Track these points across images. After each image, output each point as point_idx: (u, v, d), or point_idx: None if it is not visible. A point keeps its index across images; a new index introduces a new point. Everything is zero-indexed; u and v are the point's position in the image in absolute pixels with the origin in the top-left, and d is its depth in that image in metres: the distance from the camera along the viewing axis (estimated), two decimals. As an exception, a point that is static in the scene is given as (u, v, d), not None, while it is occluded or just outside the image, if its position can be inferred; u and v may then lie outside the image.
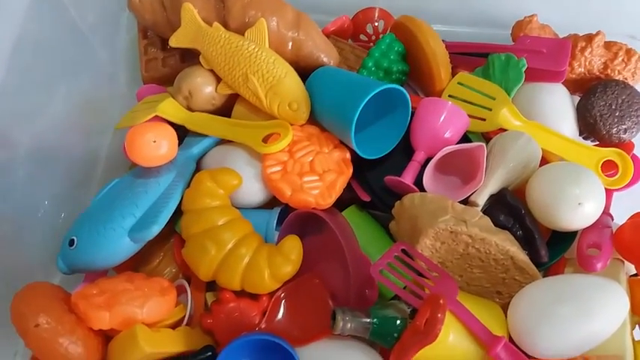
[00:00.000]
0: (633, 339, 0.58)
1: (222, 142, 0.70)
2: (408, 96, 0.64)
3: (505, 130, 0.69)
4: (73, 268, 0.62)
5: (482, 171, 0.62)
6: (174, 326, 0.62)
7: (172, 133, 0.63)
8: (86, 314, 0.56)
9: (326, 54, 0.70)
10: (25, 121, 0.65)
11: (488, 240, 0.58)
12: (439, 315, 0.51)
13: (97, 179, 0.76)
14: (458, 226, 0.58)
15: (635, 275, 0.63)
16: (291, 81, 0.66)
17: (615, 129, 0.71)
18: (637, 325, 0.60)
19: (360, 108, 0.60)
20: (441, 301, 0.51)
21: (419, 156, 0.66)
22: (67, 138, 0.74)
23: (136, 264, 0.69)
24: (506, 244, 0.59)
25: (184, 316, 0.62)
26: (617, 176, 0.68)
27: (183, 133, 0.70)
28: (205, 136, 0.69)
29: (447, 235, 0.59)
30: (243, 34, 0.67)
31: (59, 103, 0.69)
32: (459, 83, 0.72)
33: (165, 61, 0.77)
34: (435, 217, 0.60)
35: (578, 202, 0.60)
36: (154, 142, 0.61)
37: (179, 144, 0.68)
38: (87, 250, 0.61)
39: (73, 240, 0.61)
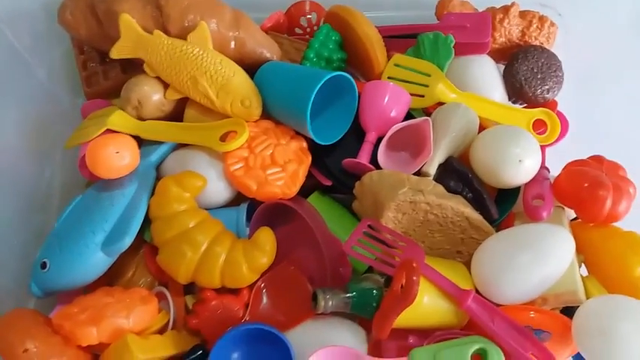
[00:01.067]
0: (581, 275, 0.65)
1: (178, 146, 0.71)
2: (353, 82, 0.68)
3: (443, 103, 0.74)
4: (47, 290, 0.62)
5: (430, 143, 0.66)
6: (161, 332, 0.63)
7: (133, 143, 0.63)
8: (73, 332, 0.56)
9: (268, 49, 0.72)
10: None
11: (445, 205, 0.63)
12: (414, 277, 0.55)
13: (55, 200, 0.75)
14: (416, 196, 0.63)
15: (575, 219, 0.71)
16: (241, 79, 0.68)
17: (539, 90, 0.77)
18: (582, 263, 0.67)
19: (312, 97, 0.63)
20: (414, 264, 0.56)
21: (370, 136, 0.70)
22: (14, 162, 0.72)
23: (110, 279, 0.68)
24: (460, 206, 0.64)
25: (169, 320, 0.64)
26: (547, 133, 0.74)
27: (137, 143, 0.71)
28: (161, 143, 0.70)
29: (407, 206, 0.63)
30: (184, 39, 0.68)
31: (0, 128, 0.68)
32: (395, 65, 0.76)
33: (106, 74, 0.77)
34: (394, 190, 0.64)
35: (518, 160, 0.66)
36: (117, 152, 0.61)
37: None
38: (61, 270, 0.61)
39: (45, 263, 0.61)
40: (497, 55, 0.82)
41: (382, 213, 0.64)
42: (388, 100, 0.70)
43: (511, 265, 0.60)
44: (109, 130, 0.69)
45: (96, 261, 0.61)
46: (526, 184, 0.68)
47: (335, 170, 0.70)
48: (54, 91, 0.78)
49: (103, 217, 0.62)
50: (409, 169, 0.68)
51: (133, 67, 0.73)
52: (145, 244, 0.69)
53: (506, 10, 0.80)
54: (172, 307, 0.64)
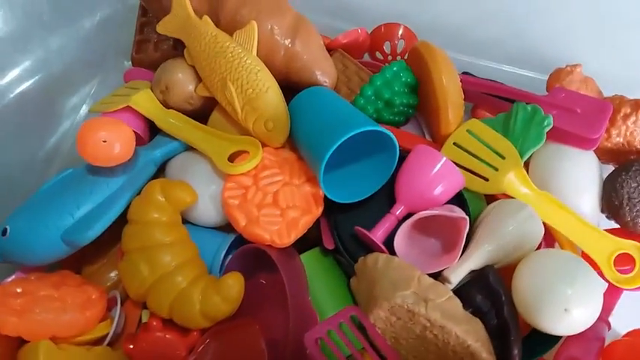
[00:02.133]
0: None
1: (189, 149, 0.63)
2: (395, 141, 0.55)
3: (509, 197, 0.59)
4: (4, 257, 0.58)
5: (460, 247, 0.53)
6: (96, 343, 0.57)
7: (127, 134, 0.56)
8: (-4, 314, 0.52)
9: (322, 71, 0.62)
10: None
11: (448, 329, 0.50)
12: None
13: (61, 162, 0.71)
14: (416, 306, 0.50)
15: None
16: (272, 97, 0.58)
17: (642, 218, 0.60)
18: None
19: (333, 149, 0.51)
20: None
21: (397, 210, 0.57)
22: (37, 111, 0.69)
23: (81, 262, 0.64)
24: (468, 337, 0.50)
25: (108, 333, 0.57)
26: (632, 273, 0.57)
27: (156, 129, 0.64)
28: (174, 138, 0.63)
29: (403, 312, 0.51)
30: (232, 34, 0.60)
31: (33, 73, 0.64)
32: (467, 131, 0.62)
33: (157, 45, 0.71)
34: (394, 288, 0.52)
35: (564, 308, 0.50)
36: (104, 142, 0.54)
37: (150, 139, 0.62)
38: (17, 243, 0.56)
39: (5, 229, 0.57)
40: (607, 156, 0.65)
41: (373, 309, 0.52)
42: (434, 176, 0.56)
43: None
44: (129, 108, 0.63)
45: (52, 246, 0.56)
46: (567, 337, 0.53)
47: (344, 233, 0.58)
48: (102, 49, 0.73)
49: (76, 203, 0.56)
50: (432, 265, 0.55)
51: (183, 46, 0.66)
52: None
53: (637, 105, 0.62)
54: (117, 319, 0.58)
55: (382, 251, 0.55)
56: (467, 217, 0.53)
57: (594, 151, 0.63)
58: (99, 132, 0.55)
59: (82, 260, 0.64)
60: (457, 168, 0.57)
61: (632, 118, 0.62)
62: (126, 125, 0.57)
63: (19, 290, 0.55)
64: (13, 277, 0.60)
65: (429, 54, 0.61)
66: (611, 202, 0.61)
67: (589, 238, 0.58)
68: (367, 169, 0.59)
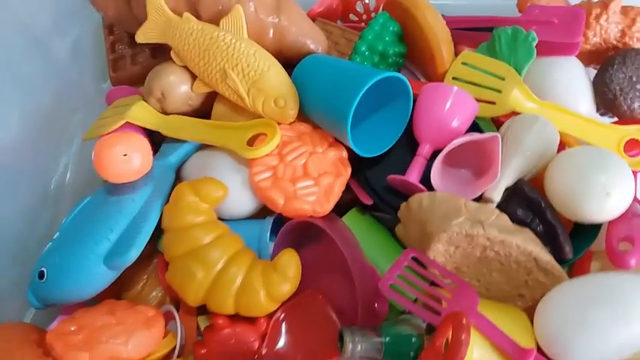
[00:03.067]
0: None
1: (203, 147, 0.63)
2: (409, 84, 0.57)
3: (517, 113, 0.62)
4: (45, 302, 0.56)
5: (498, 164, 0.55)
6: (165, 358, 0.56)
7: (145, 144, 0.55)
8: (64, 357, 0.50)
9: (313, 40, 0.62)
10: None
11: (509, 242, 0.52)
12: (463, 337, 0.44)
13: (66, 198, 0.68)
14: (474, 229, 0.52)
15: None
16: (276, 74, 0.58)
17: (637, 103, 0.64)
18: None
19: (356, 102, 0.52)
20: (464, 321, 0.45)
21: (424, 150, 0.59)
22: (26, 153, 0.66)
23: (119, 288, 0.62)
24: (528, 244, 0.52)
25: (175, 347, 0.56)
26: (642, 155, 0.61)
27: (159, 139, 0.63)
28: (184, 141, 0.62)
29: (461, 239, 0.53)
30: (217, 25, 0.60)
31: (14, 117, 0.62)
32: (463, 63, 0.65)
33: (134, 59, 0.70)
34: (447, 219, 0.53)
35: (606, 192, 0.53)
36: (125, 155, 0.53)
37: (155, 152, 0.61)
38: (59, 282, 0.54)
39: (42, 272, 0.54)
40: (588, 58, 0.69)
41: (430, 244, 0.53)
42: (450, 108, 0.58)
43: (586, 322, 0.48)
44: (128, 124, 0.61)
45: (97, 275, 0.54)
46: (611, 222, 0.56)
47: (378, 187, 0.59)
48: (78, 74, 0.71)
49: (109, 226, 0.55)
50: (468, 192, 0.56)
51: (164, 52, 0.65)
52: (159, 253, 0.61)
53: (604, 4, 0.66)
54: (180, 331, 0.56)
55: (422, 191, 0.57)
56: (498, 135, 0.55)
57: (576, 56, 0.67)
58: (116, 146, 0.53)
59: (120, 288, 0.62)
60: (469, 94, 0.59)
61: (604, 17, 0.66)
62: (141, 136, 0.55)
63: (73, 328, 0.53)
64: (56, 321, 0.58)
65: (409, 1, 0.63)
66: (605, 97, 0.65)
67: (596, 132, 0.62)
68: (384, 121, 0.60)
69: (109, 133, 0.61)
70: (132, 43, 0.70)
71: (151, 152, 0.56)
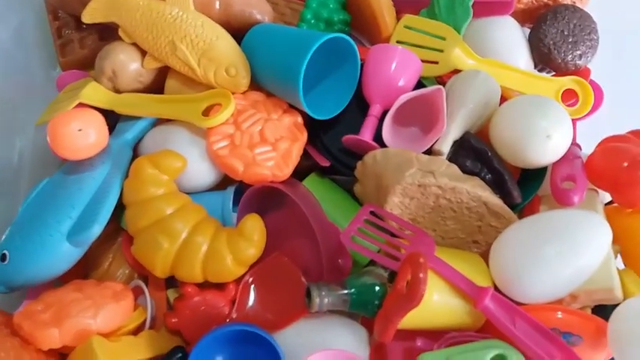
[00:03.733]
0: (617, 268, 0.56)
1: (158, 122, 0.63)
2: (355, 45, 0.59)
3: (459, 71, 0.65)
4: (10, 285, 0.56)
5: (444, 116, 0.57)
6: (137, 332, 0.56)
7: (99, 118, 0.55)
8: (32, 335, 0.50)
9: (259, 10, 0.63)
10: None
11: (459, 188, 0.55)
12: (421, 275, 0.47)
13: (24, 183, 0.68)
14: (426, 179, 0.55)
15: (610, 203, 0.61)
16: (225, 44, 0.59)
17: (570, 55, 0.68)
18: (618, 255, 0.58)
19: (305, 63, 0.54)
20: (421, 260, 0.48)
21: (375, 110, 0.61)
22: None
23: (85, 270, 0.62)
24: (477, 190, 0.55)
25: (145, 319, 0.57)
26: (578, 105, 0.65)
27: (114, 118, 0.63)
28: (139, 118, 0.62)
29: (415, 190, 0.55)
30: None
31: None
32: (405, 27, 0.67)
33: (82, 42, 0.69)
34: (400, 171, 0.55)
35: (546, 135, 0.57)
36: (80, 130, 0.53)
37: (111, 131, 0.61)
38: (23, 263, 0.54)
39: (4, 255, 0.54)
40: (522, 17, 0.72)
41: (387, 197, 0.56)
42: (396, 67, 0.61)
43: (536, 257, 0.52)
44: (82, 105, 0.61)
45: (61, 253, 0.54)
46: (554, 164, 0.59)
47: (334, 149, 0.61)
48: (24, 61, 0.70)
49: (70, 203, 0.55)
50: (419, 146, 0.59)
51: (111, 33, 0.65)
52: (122, 231, 0.62)
53: (533, -37, 0.70)
54: (150, 303, 0.57)
55: (375, 148, 0.59)
56: (442, 87, 0.57)
57: (511, 15, 0.70)
58: (71, 123, 0.54)
59: (86, 269, 0.62)
60: (413, 53, 0.61)
61: (534, -24, 0.70)
62: (95, 111, 0.56)
63: (40, 307, 0.53)
64: (22, 305, 0.57)
65: (352, -33, 0.66)
66: (540, 52, 0.69)
67: (535, 84, 0.65)
68: (334, 85, 0.62)
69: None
70: (78, 27, 0.70)
71: (106, 126, 0.56)
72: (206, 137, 0.59)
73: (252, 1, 0.63)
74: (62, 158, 0.57)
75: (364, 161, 0.59)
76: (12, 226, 0.56)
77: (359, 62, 0.61)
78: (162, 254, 0.54)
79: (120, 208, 0.58)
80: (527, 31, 0.72)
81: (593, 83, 0.67)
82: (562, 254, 0.51)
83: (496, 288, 0.54)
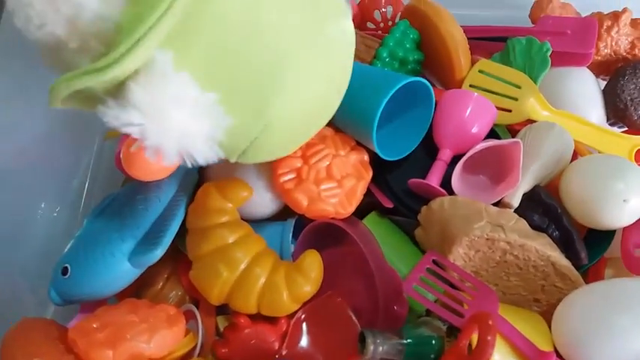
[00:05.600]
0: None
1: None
2: (431, 89, 0.58)
3: (532, 121, 0.63)
4: (67, 298, 0.56)
5: (519, 169, 0.56)
6: (185, 358, 0.56)
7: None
8: (87, 353, 0.50)
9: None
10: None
11: (528, 246, 0.53)
12: (489, 338, 0.45)
13: (90, 195, 0.68)
14: (495, 233, 0.53)
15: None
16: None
17: (647, 113, 0.66)
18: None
19: (382, 106, 0.54)
20: (490, 322, 0.46)
21: (444, 155, 0.60)
22: (47, 151, 0.66)
23: (138, 287, 0.62)
24: (546, 249, 0.54)
25: (195, 346, 0.56)
26: (653, 164, 0.63)
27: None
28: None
29: (482, 243, 0.54)
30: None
31: (39, 114, 0.62)
32: (480, 71, 0.66)
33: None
34: (468, 223, 0.54)
35: (623, 199, 0.55)
36: (155, 153, 0.53)
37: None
38: (83, 279, 0.54)
39: (66, 268, 0.54)
40: (599, 69, 0.70)
41: (452, 247, 0.54)
42: (470, 113, 0.59)
43: (606, 327, 0.49)
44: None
45: (121, 272, 0.54)
46: (626, 228, 0.57)
47: (398, 190, 0.60)
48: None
49: (135, 223, 0.55)
50: (488, 197, 0.57)
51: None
52: (180, 253, 0.61)
53: (616, 16, 0.68)
54: (201, 330, 0.57)
55: (442, 194, 0.58)
56: (520, 141, 0.56)
57: (587, 67, 0.69)
58: (145, 145, 0.53)
59: (139, 286, 0.62)
60: (488, 100, 0.60)
61: (615, 29, 0.68)
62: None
63: (96, 325, 0.53)
64: (75, 319, 0.58)
65: (430, 8, 0.65)
66: (616, 107, 0.67)
67: (609, 141, 0.63)
68: (405, 125, 0.61)
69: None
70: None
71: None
72: (273, 169, 0.58)
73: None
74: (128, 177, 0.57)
75: (430, 207, 0.58)
76: (75, 239, 0.57)
77: (433, 106, 0.60)
78: (221, 282, 0.54)
79: (179, 229, 0.58)
80: (602, 82, 0.70)
81: (669, 144, 0.65)
82: (633, 327, 0.49)
83: (558, 354, 0.52)
